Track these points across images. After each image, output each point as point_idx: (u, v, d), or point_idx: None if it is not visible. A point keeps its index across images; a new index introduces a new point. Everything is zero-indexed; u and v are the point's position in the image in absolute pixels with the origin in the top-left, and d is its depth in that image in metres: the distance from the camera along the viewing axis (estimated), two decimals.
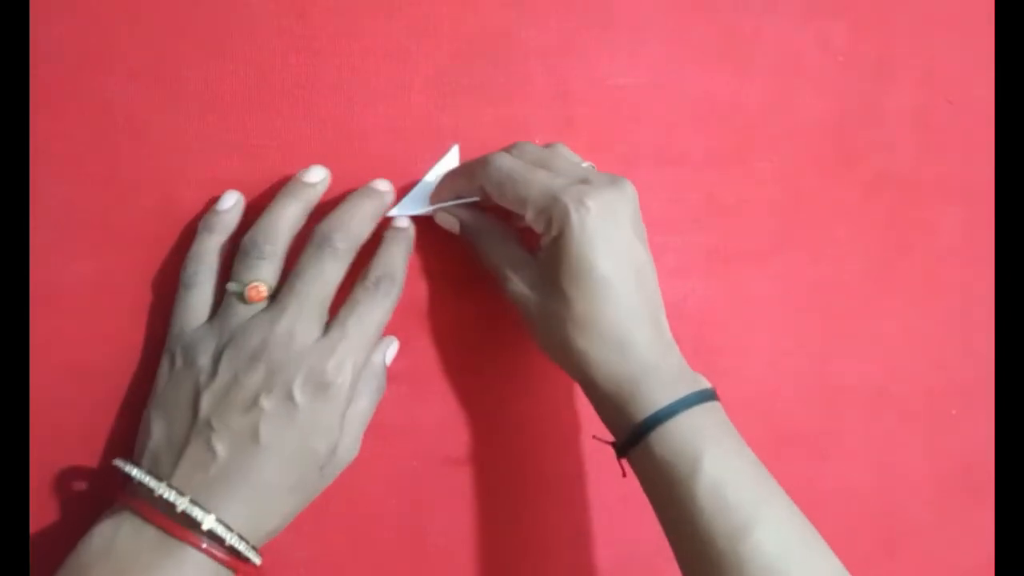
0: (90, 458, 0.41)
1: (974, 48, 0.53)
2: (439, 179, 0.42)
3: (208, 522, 0.34)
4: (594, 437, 0.41)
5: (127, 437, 0.40)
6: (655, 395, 0.36)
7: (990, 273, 0.53)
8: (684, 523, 0.35)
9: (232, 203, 0.39)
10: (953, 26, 0.52)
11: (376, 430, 0.40)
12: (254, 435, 0.35)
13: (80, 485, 0.41)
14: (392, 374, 0.42)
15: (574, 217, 0.36)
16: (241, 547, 0.35)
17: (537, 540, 0.45)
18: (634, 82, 0.47)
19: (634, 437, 0.36)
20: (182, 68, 0.41)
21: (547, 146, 0.41)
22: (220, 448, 0.35)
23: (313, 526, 0.42)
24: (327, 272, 0.37)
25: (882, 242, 0.51)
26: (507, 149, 0.41)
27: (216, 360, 0.36)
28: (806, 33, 0.50)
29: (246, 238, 0.38)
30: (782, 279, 0.50)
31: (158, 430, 0.36)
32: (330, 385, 0.36)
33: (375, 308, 0.38)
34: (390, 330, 0.41)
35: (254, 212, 0.42)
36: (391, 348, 0.42)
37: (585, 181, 0.38)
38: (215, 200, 0.40)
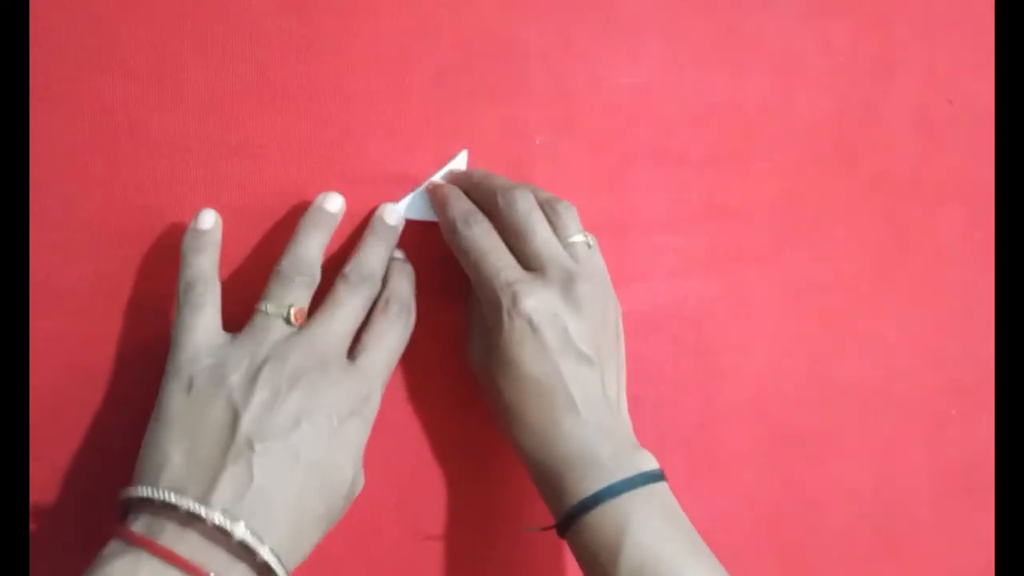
0: (90, 459, 0.41)
1: (974, 48, 0.53)
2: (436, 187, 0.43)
3: (264, 553, 0.32)
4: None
5: (127, 437, 0.39)
6: (580, 485, 0.37)
7: (990, 273, 0.53)
8: None
9: (213, 221, 0.39)
10: (954, 26, 0.52)
11: (376, 431, 0.40)
12: (295, 456, 0.34)
13: (80, 485, 0.41)
14: (392, 374, 0.42)
15: (504, 319, 0.38)
16: None
17: (537, 540, 0.45)
18: (634, 82, 0.47)
19: (564, 525, 0.37)
20: (182, 68, 0.41)
21: (551, 203, 0.41)
22: (259, 471, 0.33)
23: None
24: (359, 307, 0.39)
25: (882, 242, 0.51)
26: (514, 187, 0.40)
27: (252, 378, 0.35)
28: (806, 33, 0.50)
29: (285, 264, 0.38)
30: (782, 279, 0.50)
31: (179, 454, 0.34)
32: (362, 411, 0.37)
33: (396, 336, 0.40)
34: None
35: (255, 212, 0.42)
36: None
37: (541, 272, 0.39)
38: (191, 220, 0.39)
